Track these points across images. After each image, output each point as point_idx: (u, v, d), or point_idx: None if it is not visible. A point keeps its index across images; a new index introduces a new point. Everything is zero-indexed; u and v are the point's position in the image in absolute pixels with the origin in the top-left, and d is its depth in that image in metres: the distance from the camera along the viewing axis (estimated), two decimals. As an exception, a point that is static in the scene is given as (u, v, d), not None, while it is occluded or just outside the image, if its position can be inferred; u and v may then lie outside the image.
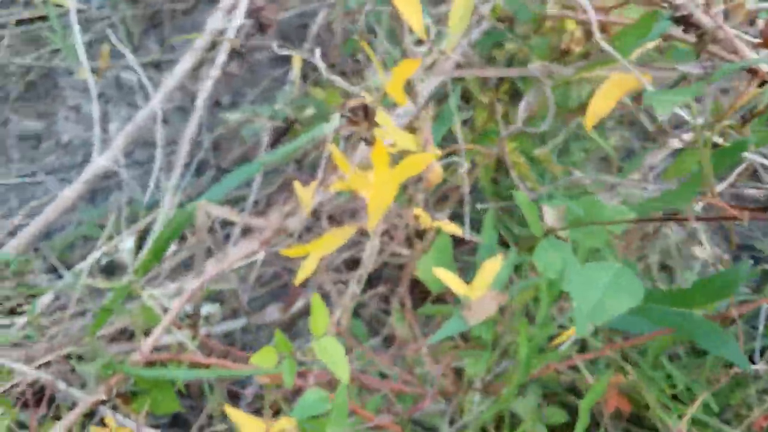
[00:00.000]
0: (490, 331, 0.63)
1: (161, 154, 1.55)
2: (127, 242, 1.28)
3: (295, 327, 1.21)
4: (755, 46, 0.55)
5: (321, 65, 0.89)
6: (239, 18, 1.19)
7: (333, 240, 0.77)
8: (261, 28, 0.74)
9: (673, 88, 0.58)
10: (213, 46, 1.44)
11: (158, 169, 1.26)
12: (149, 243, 1.05)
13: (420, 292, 1.10)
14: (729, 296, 0.55)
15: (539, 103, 0.91)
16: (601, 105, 0.70)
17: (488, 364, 0.66)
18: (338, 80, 0.89)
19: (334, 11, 1.29)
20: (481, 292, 0.61)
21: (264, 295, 1.22)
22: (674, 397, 1.07)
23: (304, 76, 1.57)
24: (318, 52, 0.93)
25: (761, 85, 0.50)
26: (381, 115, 0.58)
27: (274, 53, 1.86)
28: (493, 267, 0.62)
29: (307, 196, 0.79)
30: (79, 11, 1.91)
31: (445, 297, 0.83)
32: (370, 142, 0.58)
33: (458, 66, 0.75)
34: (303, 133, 1.00)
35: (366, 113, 0.56)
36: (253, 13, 0.74)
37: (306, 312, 1.10)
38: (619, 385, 0.92)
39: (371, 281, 1.13)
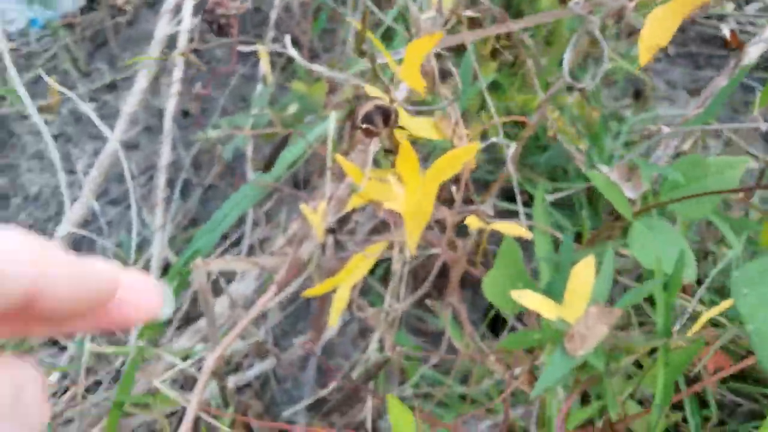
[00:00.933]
0: (602, 357, 0.49)
1: (137, 188, 1.41)
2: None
3: (327, 346, 1.08)
4: None
5: (297, 56, 0.74)
6: (188, 19, 1.03)
7: (361, 265, 0.64)
8: (219, 29, 0.60)
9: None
10: (166, 53, 1.28)
11: (136, 205, 1.12)
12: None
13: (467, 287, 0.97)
14: None
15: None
16: (658, 33, 0.56)
17: (614, 400, 0.53)
18: (322, 70, 0.75)
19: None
20: (579, 311, 0.47)
21: (288, 317, 1.10)
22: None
23: (272, 65, 1.41)
24: (288, 39, 0.78)
25: None
26: (402, 114, 0.44)
27: (234, 47, 1.69)
28: (585, 273, 0.49)
29: (317, 218, 0.65)
30: (16, 50, 1.74)
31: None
32: (393, 151, 0.44)
33: (472, 22, 0.61)
34: (291, 138, 0.86)
35: (386, 118, 0.42)
36: (206, 13, 0.59)
37: (338, 332, 0.97)
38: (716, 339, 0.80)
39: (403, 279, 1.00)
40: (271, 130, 0.87)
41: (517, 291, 0.47)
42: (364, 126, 0.42)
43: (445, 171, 0.49)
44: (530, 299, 0.47)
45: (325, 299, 1.01)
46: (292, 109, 0.90)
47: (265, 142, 1.16)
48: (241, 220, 1.10)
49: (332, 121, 0.64)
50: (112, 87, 1.65)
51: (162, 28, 1.09)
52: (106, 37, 1.68)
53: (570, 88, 0.99)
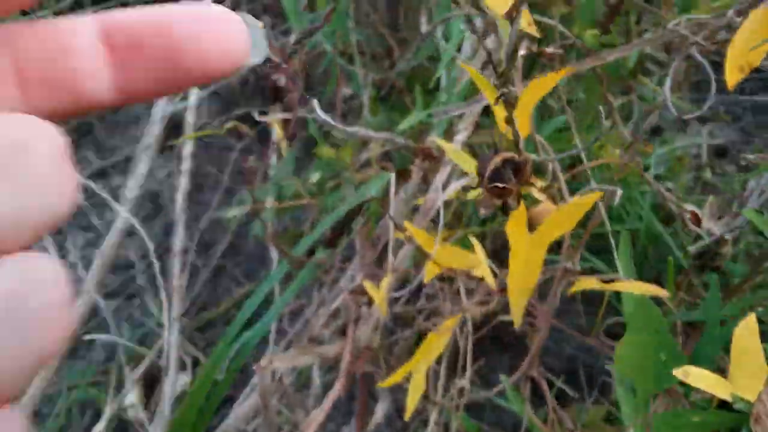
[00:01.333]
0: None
1: (140, 276, 1.32)
2: (129, 396, 1.05)
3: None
4: None
5: (327, 119, 0.68)
6: (194, 95, 0.97)
7: (433, 346, 0.56)
8: (277, 95, 0.53)
9: None
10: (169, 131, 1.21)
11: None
12: (163, 394, 0.82)
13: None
14: None
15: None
16: (748, 52, 0.51)
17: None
18: (361, 131, 0.68)
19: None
20: (755, 384, 0.40)
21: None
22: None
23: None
24: (315, 103, 0.72)
25: None
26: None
27: (224, 120, 1.64)
28: (750, 337, 0.41)
29: (381, 294, 0.57)
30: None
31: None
32: (511, 209, 0.37)
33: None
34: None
35: (518, 173, 0.36)
36: (262, 80, 0.53)
37: (386, 422, 0.88)
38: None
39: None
40: (297, 202, 0.80)
41: (681, 369, 0.39)
42: (497, 185, 0.35)
43: (554, 232, 0.42)
44: (699, 377, 0.38)
45: (365, 387, 0.91)
46: (315, 177, 0.84)
47: (277, 216, 1.09)
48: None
49: (392, 182, 0.57)
50: (101, 174, 1.57)
51: (161, 106, 1.03)
52: (91, 123, 1.61)
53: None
